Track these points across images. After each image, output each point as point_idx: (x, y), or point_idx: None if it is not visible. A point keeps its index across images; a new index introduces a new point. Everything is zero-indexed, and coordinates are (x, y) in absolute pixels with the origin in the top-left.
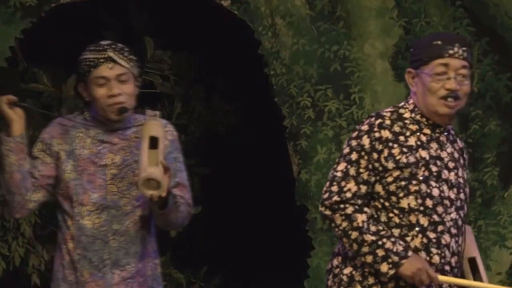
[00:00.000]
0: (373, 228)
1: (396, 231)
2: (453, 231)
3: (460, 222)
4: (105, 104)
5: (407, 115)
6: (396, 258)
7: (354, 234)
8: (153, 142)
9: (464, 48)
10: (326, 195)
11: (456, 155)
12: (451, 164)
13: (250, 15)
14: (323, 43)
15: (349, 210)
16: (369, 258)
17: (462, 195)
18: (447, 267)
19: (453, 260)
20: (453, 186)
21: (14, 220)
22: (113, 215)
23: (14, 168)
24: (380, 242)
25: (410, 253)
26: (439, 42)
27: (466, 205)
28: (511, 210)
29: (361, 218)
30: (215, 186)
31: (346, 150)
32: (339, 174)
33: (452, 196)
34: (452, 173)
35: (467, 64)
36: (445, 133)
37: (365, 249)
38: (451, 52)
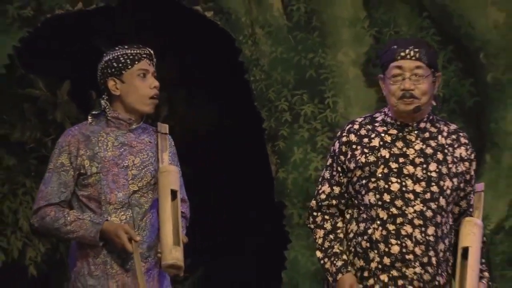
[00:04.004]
0: (326, 244)
1: (362, 225)
2: (417, 222)
3: (429, 213)
4: (145, 95)
5: (379, 118)
6: (330, 279)
7: (314, 246)
8: (173, 195)
9: (416, 49)
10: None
11: (429, 151)
12: (418, 160)
13: (231, 25)
14: (299, 51)
15: (316, 221)
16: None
17: (435, 188)
18: (409, 256)
19: (417, 250)
20: (419, 180)
21: (12, 215)
22: (137, 212)
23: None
24: (322, 262)
25: (339, 276)
26: (394, 47)
27: (445, 197)
28: None
29: (319, 233)
30: (197, 184)
31: (327, 157)
32: (320, 179)
33: (418, 189)
34: (419, 168)
35: (422, 64)
36: (416, 131)
37: (319, 262)
38: (402, 54)
